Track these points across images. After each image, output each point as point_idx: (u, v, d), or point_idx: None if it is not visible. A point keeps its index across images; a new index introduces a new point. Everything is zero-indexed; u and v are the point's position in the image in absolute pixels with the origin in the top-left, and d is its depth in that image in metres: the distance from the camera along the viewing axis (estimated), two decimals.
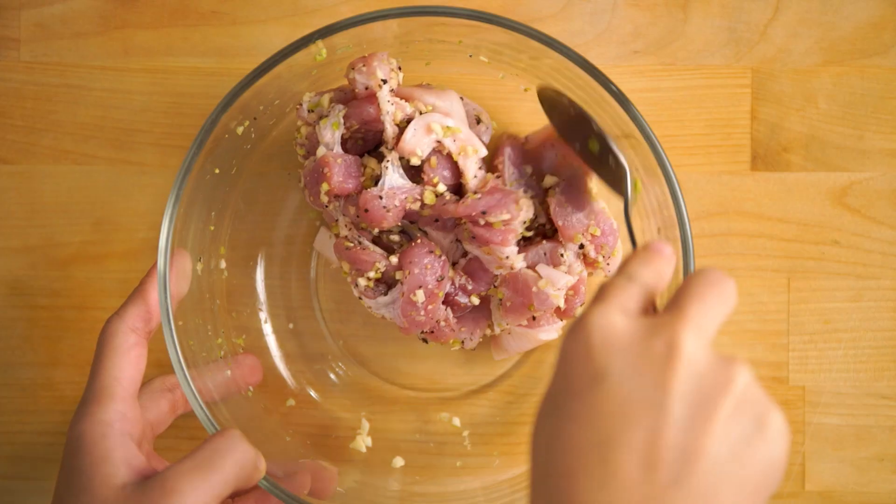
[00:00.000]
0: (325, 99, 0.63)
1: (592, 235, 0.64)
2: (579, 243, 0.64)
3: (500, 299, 0.65)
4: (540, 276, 0.63)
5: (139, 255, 0.72)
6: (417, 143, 0.61)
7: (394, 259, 0.63)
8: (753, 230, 0.72)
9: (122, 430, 0.54)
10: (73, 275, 0.72)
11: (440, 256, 0.63)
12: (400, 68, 0.63)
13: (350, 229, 0.64)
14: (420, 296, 0.62)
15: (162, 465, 0.58)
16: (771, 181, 0.72)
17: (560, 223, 0.64)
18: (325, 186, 0.62)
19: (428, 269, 0.63)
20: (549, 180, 0.65)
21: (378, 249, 0.64)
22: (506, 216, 0.61)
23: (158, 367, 0.68)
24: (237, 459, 0.53)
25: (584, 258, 0.65)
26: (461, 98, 0.66)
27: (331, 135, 0.62)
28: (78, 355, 0.72)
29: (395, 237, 0.65)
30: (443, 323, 0.65)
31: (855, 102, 0.72)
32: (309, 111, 0.63)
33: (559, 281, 0.63)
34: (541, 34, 0.59)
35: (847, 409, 0.72)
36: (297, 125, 0.65)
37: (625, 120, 0.60)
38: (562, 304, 0.64)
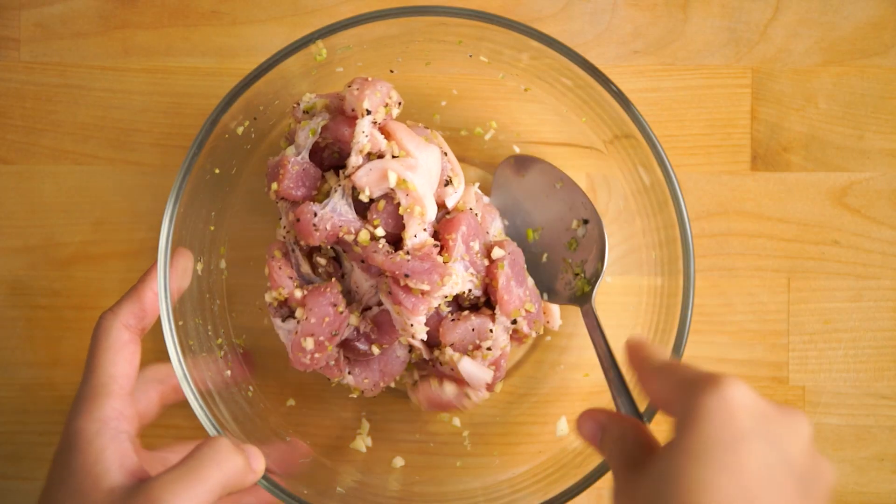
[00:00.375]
0: (321, 103, 0.63)
1: (527, 311, 0.65)
2: (513, 318, 0.64)
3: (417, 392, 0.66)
4: (459, 390, 0.64)
5: (139, 255, 0.72)
6: (368, 183, 0.60)
7: (299, 293, 0.62)
8: (753, 230, 0.72)
9: (117, 427, 0.54)
10: (73, 275, 0.72)
11: (341, 312, 0.62)
12: (400, 104, 0.62)
13: (288, 233, 0.64)
14: (309, 343, 0.61)
15: (150, 460, 0.58)
16: (771, 181, 0.72)
17: (505, 297, 0.64)
18: (274, 185, 0.62)
19: (324, 322, 0.61)
20: (496, 253, 0.64)
21: (292, 276, 0.63)
22: (425, 287, 0.60)
23: None
24: (223, 469, 0.53)
25: (515, 332, 0.66)
26: (444, 154, 0.65)
27: (304, 138, 0.62)
28: (78, 355, 0.72)
29: (323, 260, 0.64)
30: (332, 363, 0.64)
31: (855, 102, 0.72)
32: (304, 111, 0.63)
33: (481, 380, 0.63)
34: (541, 34, 0.59)
35: (847, 409, 0.72)
36: (289, 120, 0.65)
37: (625, 120, 0.60)
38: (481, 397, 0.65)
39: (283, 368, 0.69)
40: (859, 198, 0.72)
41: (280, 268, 0.63)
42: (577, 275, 0.66)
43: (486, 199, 0.68)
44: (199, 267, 0.63)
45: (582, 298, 0.65)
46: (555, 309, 0.68)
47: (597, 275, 0.65)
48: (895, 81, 0.72)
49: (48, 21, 0.72)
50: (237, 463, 0.54)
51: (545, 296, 0.67)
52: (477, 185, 0.68)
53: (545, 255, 0.68)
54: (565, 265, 0.67)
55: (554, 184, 0.67)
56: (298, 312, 0.62)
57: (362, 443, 0.69)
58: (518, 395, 0.70)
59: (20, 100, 0.72)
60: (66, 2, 0.72)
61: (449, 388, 0.64)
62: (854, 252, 0.72)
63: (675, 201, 0.60)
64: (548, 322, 0.68)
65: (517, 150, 0.69)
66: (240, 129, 0.63)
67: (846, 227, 0.72)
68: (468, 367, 0.63)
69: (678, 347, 0.59)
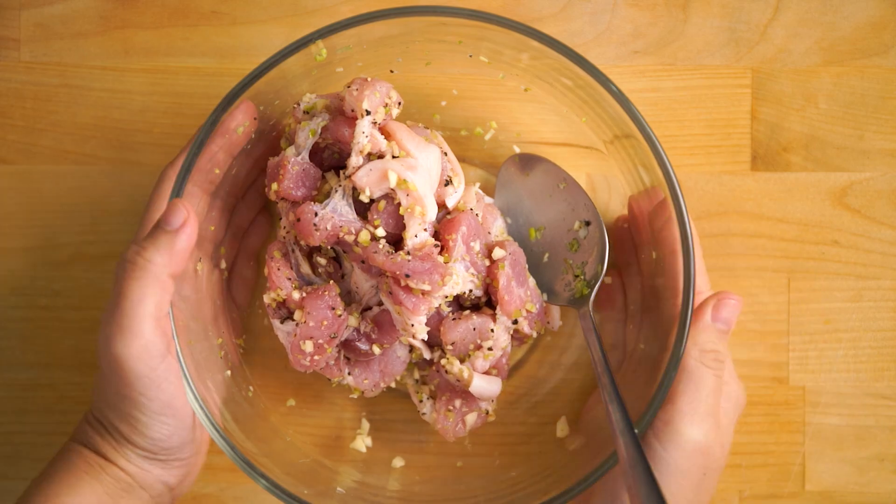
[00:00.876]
0: (321, 103, 0.63)
1: (528, 311, 0.65)
2: (514, 319, 0.64)
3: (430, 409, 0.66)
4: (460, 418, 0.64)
5: None
6: (368, 183, 0.60)
7: (297, 295, 0.62)
8: (753, 230, 0.72)
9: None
10: (73, 275, 0.72)
11: (340, 315, 0.62)
12: (400, 103, 0.62)
13: (287, 233, 0.63)
14: (308, 346, 0.61)
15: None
16: (771, 181, 0.72)
17: (506, 297, 0.64)
18: (274, 186, 0.62)
19: (323, 325, 0.61)
20: (497, 253, 0.64)
21: (291, 277, 0.63)
22: (426, 287, 0.60)
23: None
24: (151, 297, 0.56)
25: (516, 332, 0.65)
26: (444, 154, 0.64)
27: (304, 138, 0.62)
28: (78, 355, 0.72)
29: (323, 260, 0.64)
30: (331, 363, 0.64)
31: (855, 102, 0.72)
32: (304, 112, 0.63)
33: (492, 394, 0.64)
34: (541, 34, 0.59)
35: (847, 409, 0.72)
36: (289, 121, 0.65)
37: (625, 120, 0.60)
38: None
39: (282, 368, 0.69)
40: (859, 198, 0.72)
41: (279, 269, 0.62)
42: (576, 276, 0.66)
43: (487, 199, 0.68)
44: (200, 267, 0.63)
45: (580, 300, 0.65)
46: (555, 310, 0.68)
47: (596, 277, 0.65)
48: (895, 81, 0.72)
49: (48, 21, 0.72)
50: (161, 285, 0.56)
51: (545, 296, 0.67)
52: (478, 185, 0.68)
53: (546, 255, 0.68)
54: (566, 266, 0.67)
55: (557, 184, 0.67)
56: (297, 315, 0.62)
57: (362, 443, 0.69)
58: (518, 395, 0.70)
59: (20, 100, 0.72)
60: (66, 2, 0.72)
61: (471, 418, 0.64)
62: (854, 252, 0.72)
63: (675, 202, 0.59)
64: (548, 323, 0.68)
65: (517, 150, 0.69)
66: (240, 130, 0.63)
67: (846, 227, 0.72)
68: (479, 385, 0.63)
69: (678, 347, 0.59)
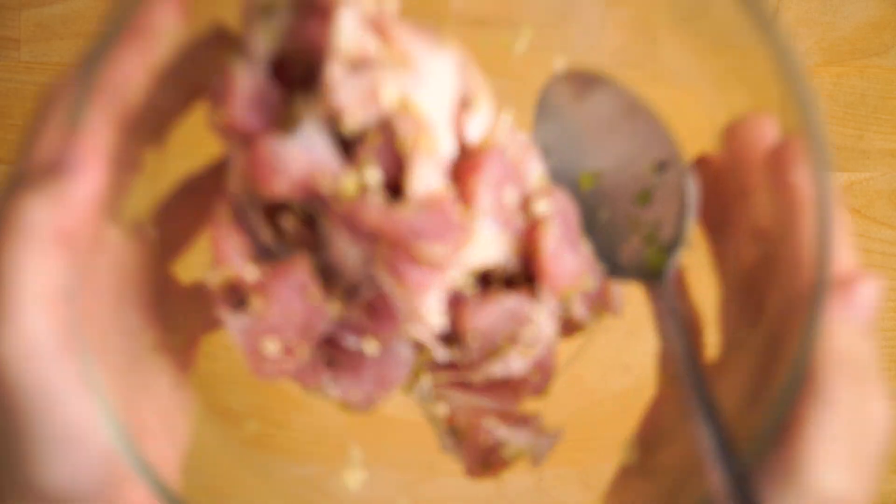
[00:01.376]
0: None
1: (582, 289, 0.46)
2: (564, 299, 0.46)
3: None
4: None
5: None
6: (353, 104, 0.40)
7: (252, 273, 0.43)
8: None
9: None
10: None
11: (314, 301, 0.43)
12: None
13: (241, 182, 0.43)
14: (272, 346, 0.43)
15: None
16: None
17: (552, 269, 0.44)
18: (218, 113, 0.42)
19: (291, 317, 0.43)
20: (540, 206, 0.46)
21: (244, 247, 0.43)
22: (439, 253, 0.41)
23: None
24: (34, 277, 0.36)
25: (566, 319, 0.47)
26: (462, 65, 0.45)
27: (260, 45, 0.41)
28: None
29: (290, 222, 0.44)
30: (307, 366, 0.46)
31: (855, 102, 0.72)
32: (260, 8, 0.42)
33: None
34: None
35: None
36: (238, 23, 0.44)
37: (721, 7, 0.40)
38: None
39: (240, 377, 0.48)
40: (859, 198, 0.72)
41: (227, 236, 0.43)
42: (648, 240, 0.47)
43: (521, 135, 0.48)
44: (117, 233, 0.43)
45: (653, 273, 0.46)
46: (616, 287, 0.48)
47: (676, 241, 0.46)
48: (895, 81, 0.72)
49: (48, 21, 0.72)
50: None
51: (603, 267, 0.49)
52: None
53: (605, 212, 0.48)
54: (632, 226, 0.47)
55: (623, 112, 0.48)
56: (254, 302, 0.43)
57: (353, 478, 0.51)
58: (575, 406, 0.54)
59: (20, 100, 0.72)
60: (66, 2, 0.73)
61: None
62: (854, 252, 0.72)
63: (809, 132, 0.39)
64: (607, 305, 0.48)
65: (560, 66, 0.50)
66: (166, 34, 0.41)
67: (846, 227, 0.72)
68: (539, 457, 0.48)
69: (804, 348, 0.39)
